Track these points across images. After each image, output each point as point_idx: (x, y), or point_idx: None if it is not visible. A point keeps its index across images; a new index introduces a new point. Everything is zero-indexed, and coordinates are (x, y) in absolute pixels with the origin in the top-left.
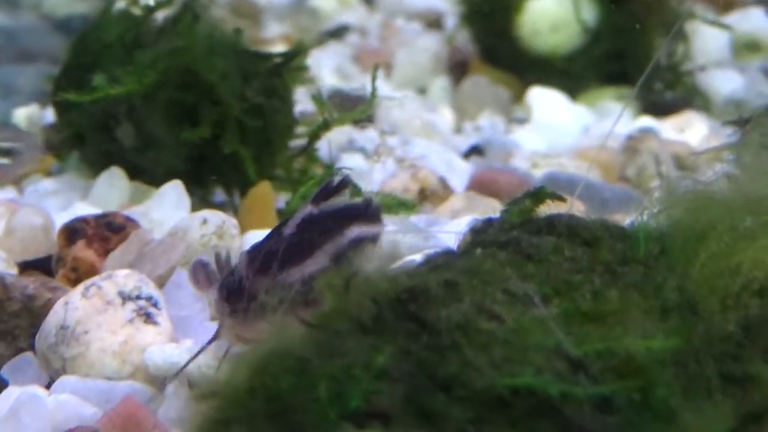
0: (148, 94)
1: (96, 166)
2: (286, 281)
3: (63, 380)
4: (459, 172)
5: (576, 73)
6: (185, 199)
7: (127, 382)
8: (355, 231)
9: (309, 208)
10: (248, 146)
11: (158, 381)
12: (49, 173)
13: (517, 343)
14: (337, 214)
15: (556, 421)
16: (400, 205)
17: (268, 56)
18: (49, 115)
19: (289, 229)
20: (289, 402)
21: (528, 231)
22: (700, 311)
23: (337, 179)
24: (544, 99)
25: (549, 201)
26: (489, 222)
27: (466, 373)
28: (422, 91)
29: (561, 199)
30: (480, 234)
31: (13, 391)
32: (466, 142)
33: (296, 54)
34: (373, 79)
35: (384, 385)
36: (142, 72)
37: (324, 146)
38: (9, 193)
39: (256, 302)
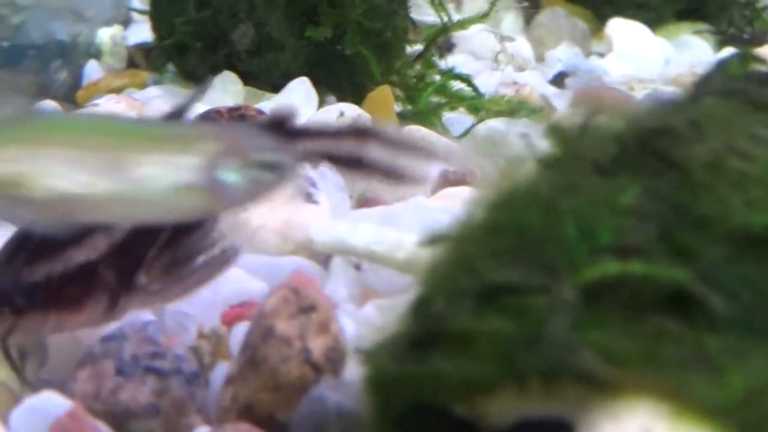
0: None
1: (197, 76)
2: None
3: None
4: (552, 95)
5: (653, 6)
6: (313, 95)
7: (293, 257)
8: None
9: None
10: (368, 49)
11: (322, 258)
12: (143, 86)
13: None
14: None
15: None
16: (526, 110)
17: None
18: (132, 35)
19: None
20: (536, 238)
21: (753, 82)
22: None
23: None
24: (625, 30)
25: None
26: (709, 74)
27: (719, 211)
28: (494, 24)
29: (765, 62)
30: (702, 85)
31: None
32: (549, 70)
33: None
34: None
35: (634, 223)
36: None
37: None
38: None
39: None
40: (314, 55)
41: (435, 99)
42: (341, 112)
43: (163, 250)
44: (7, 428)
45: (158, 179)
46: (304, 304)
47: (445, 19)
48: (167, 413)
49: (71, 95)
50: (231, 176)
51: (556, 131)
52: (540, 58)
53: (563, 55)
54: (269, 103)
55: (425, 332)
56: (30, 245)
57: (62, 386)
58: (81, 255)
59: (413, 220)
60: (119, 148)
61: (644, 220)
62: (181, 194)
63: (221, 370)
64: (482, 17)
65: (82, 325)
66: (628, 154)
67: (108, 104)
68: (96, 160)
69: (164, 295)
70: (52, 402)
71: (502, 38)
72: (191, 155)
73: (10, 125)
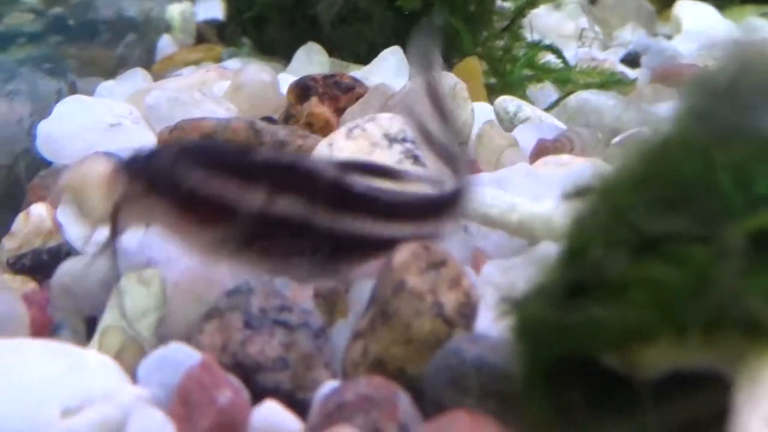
0: None
1: (276, 49)
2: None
3: None
4: (628, 73)
5: None
6: (405, 65)
7: None
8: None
9: (324, 163)
10: (457, 20)
11: None
12: (218, 60)
13: None
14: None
15: None
16: (617, 83)
17: None
18: (201, 11)
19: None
20: (692, 188)
21: None
22: None
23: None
24: (693, 11)
25: None
26: None
27: None
28: (557, 6)
29: None
30: None
31: None
32: (619, 50)
33: None
34: None
35: None
36: None
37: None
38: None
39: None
40: (400, 26)
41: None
42: None
43: None
44: (134, 380)
45: None
46: (435, 260)
47: None
48: (295, 367)
49: (147, 68)
50: None
51: (703, 85)
52: (608, 38)
53: (630, 35)
54: (361, 73)
55: (581, 281)
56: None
57: (186, 339)
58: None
59: (522, 185)
60: None
61: None
62: None
63: (342, 327)
64: None
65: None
66: None
67: (198, 73)
68: None
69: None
70: (182, 353)
71: (590, 12)
72: None
73: None
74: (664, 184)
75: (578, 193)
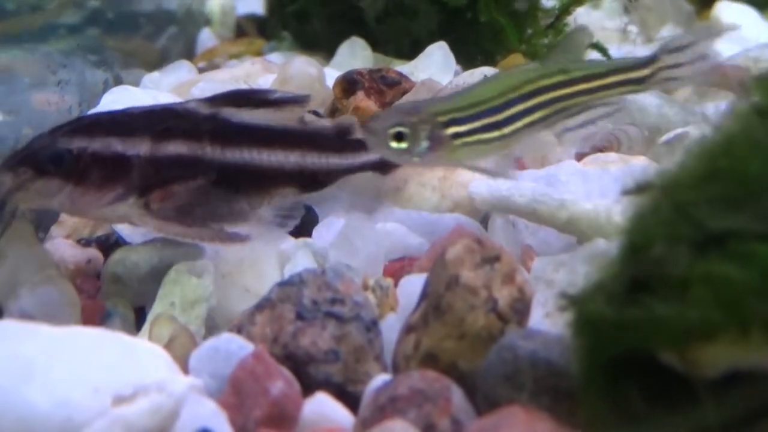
0: None
1: (318, 43)
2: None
3: (389, 210)
4: None
5: None
6: (451, 60)
7: (453, 214)
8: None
9: (193, 102)
10: (502, 17)
11: (479, 215)
12: (259, 54)
13: None
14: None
15: None
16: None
17: None
18: (241, 5)
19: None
20: (758, 186)
21: None
22: None
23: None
24: (732, 12)
25: None
26: None
27: None
28: (595, 5)
29: None
30: None
31: (331, 220)
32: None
33: None
34: None
35: None
36: None
37: None
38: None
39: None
40: (444, 21)
41: None
42: (485, 76)
43: None
44: (185, 370)
45: None
46: (489, 255)
47: None
48: (346, 360)
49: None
50: None
51: (763, 83)
52: (648, 39)
53: (669, 34)
54: (407, 68)
55: (642, 277)
56: None
57: (237, 330)
58: None
59: (570, 183)
60: None
61: None
62: None
63: (391, 321)
64: None
65: None
66: None
67: (244, 65)
68: None
69: None
70: (234, 343)
71: (630, 11)
72: None
73: None
74: (729, 181)
75: (639, 189)
